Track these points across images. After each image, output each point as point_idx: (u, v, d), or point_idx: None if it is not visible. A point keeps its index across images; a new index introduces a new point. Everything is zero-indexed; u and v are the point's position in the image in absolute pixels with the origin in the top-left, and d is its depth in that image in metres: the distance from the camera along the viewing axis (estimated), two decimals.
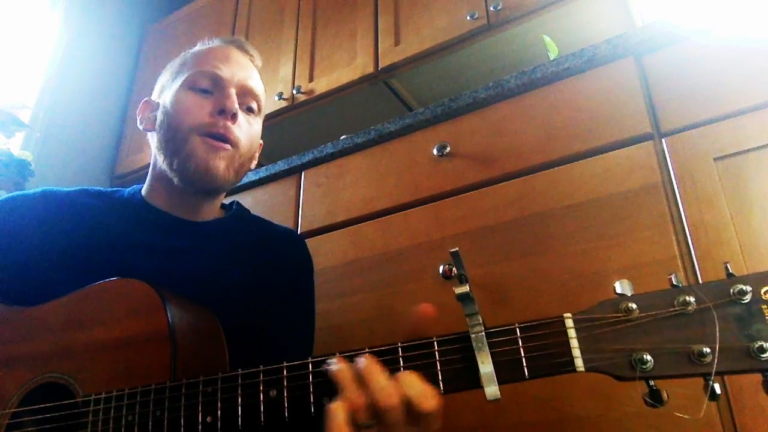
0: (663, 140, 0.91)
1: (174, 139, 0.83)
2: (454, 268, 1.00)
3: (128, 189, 0.92)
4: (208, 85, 0.86)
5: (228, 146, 0.83)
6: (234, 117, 0.84)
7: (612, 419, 0.79)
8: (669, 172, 0.88)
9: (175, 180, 0.84)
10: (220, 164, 0.82)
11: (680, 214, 0.85)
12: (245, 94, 0.88)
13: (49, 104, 2.12)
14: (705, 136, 0.87)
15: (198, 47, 0.93)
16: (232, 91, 0.85)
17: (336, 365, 0.52)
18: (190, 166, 0.81)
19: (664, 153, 0.90)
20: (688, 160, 0.87)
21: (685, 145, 0.88)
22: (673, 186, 0.87)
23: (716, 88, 0.89)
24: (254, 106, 0.90)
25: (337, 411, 0.49)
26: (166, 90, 0.90)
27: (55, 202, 0.86)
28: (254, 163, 0.94)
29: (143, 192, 0.91)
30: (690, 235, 0.83)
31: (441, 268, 1.01)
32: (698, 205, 0.84)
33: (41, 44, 2.19)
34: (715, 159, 0.85)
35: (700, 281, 0.80)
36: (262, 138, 0.96)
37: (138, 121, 0.92)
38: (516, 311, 0.93)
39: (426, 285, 1.03)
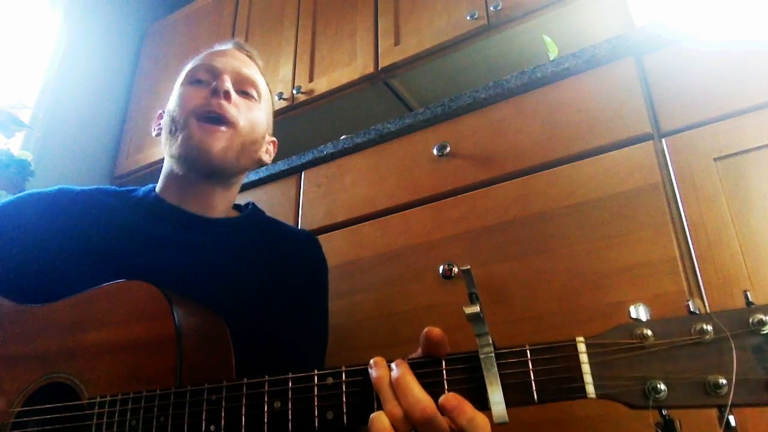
0: (663, 140, 0.91)
1: (175, 127, 0.87)
2: (454, 268, 1.01)
3: (143, 188, 0.94)
4: (204, 77, 0.90)
5: (223, 128, 0.85)
6: (227, 95, 0.86)
7: (612, 419, 0.80)
8: (669, 172, 0.89)
9: (179, 169, 0.86)
10: (216, 144, 0.84)
11: (680, 214, 0.85)
12: (240, 81, 0.91)
13: (49, 104, 2.12)
14: (705, 136, 0.87)
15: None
16: (226, 76, 0.89)
17: (375, 371, 0.51)
18: (187, 148, 0.84)
19: (664, 153, 0.90)
20: (688, 160, 0.87)
21: (685, 145, 0.89)
22: (673, 186, 0.87)
23: (716, 88, 0.89)
24: (252, 92, 0.92)
25: (380, 420, 0.48)
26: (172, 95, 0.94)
27: (71, 199, 0.88)
28: (266, 156, 0.97)
29: (157, 189, 0.93)
30: (690, 235, 0.83)
31: (441, 268, 1.01)
32: (698, 205, 0.84)
33: (41, 44, 2.19)
34: (715, 159, 0.85)
35: (701, 282, 0.80)
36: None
37: (152, 129, 0.97)
38: (516, 311, 0.93)
39: (426, 285, 1.03)
